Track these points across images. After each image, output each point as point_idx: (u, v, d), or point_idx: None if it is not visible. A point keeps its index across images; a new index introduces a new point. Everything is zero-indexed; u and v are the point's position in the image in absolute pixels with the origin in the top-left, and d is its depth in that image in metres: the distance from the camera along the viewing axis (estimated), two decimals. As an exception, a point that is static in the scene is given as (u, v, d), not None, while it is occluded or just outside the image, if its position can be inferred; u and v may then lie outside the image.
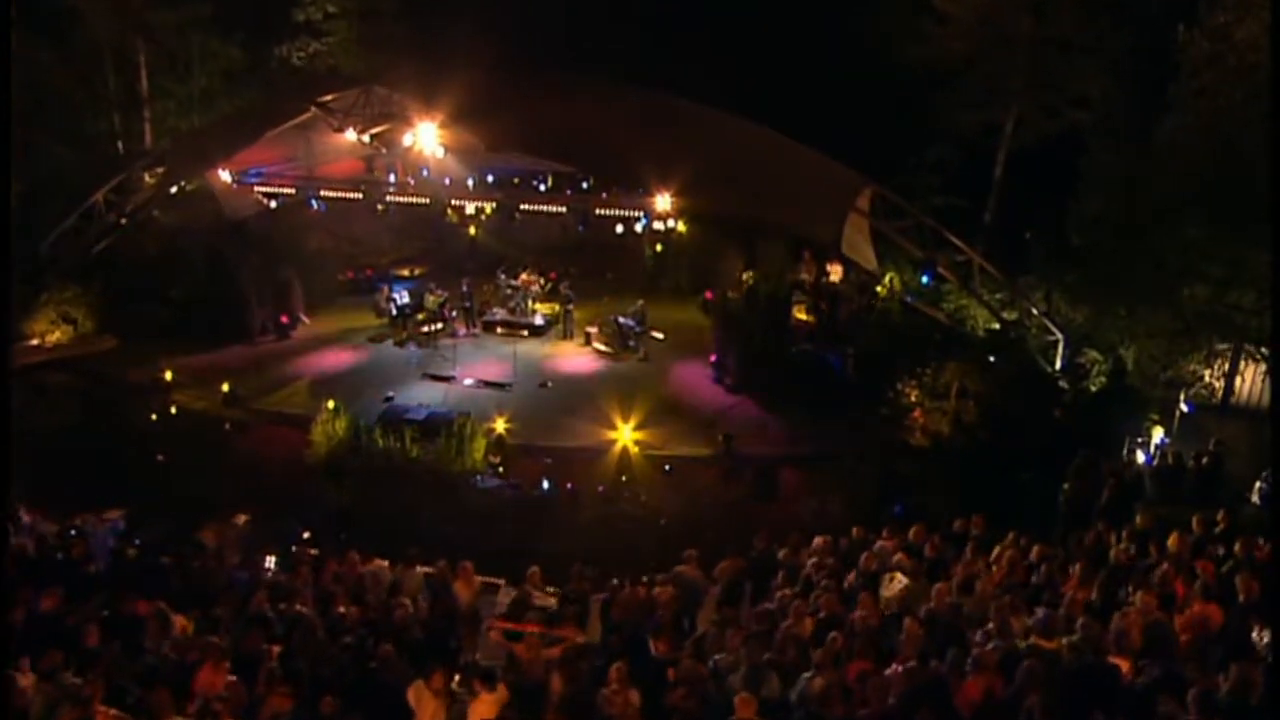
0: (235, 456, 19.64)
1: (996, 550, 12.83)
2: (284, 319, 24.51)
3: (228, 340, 23.60)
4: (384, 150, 21.26)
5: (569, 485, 18.42)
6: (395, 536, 16.94)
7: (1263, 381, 20.39)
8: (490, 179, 23.81)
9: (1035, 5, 24.47)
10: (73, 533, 12.85)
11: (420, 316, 24.20)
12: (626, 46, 28.01)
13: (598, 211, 21.73)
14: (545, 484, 18.39)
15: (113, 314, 23.85)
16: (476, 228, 27.42)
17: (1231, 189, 17.40)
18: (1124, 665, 8.99)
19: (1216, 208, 17.91)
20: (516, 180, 23.98)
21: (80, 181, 24.71)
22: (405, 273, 28.52)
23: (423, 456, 18.35)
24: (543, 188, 23.33)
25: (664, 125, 21.21)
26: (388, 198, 22.57)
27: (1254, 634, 9.50)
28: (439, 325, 24.22)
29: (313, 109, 20.85)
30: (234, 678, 9.13)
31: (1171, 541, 11.85)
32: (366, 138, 20.55)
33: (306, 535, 17.07)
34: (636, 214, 21.12)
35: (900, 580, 11.85)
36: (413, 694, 9.12)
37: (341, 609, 11.36)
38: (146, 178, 24.39)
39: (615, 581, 13.22)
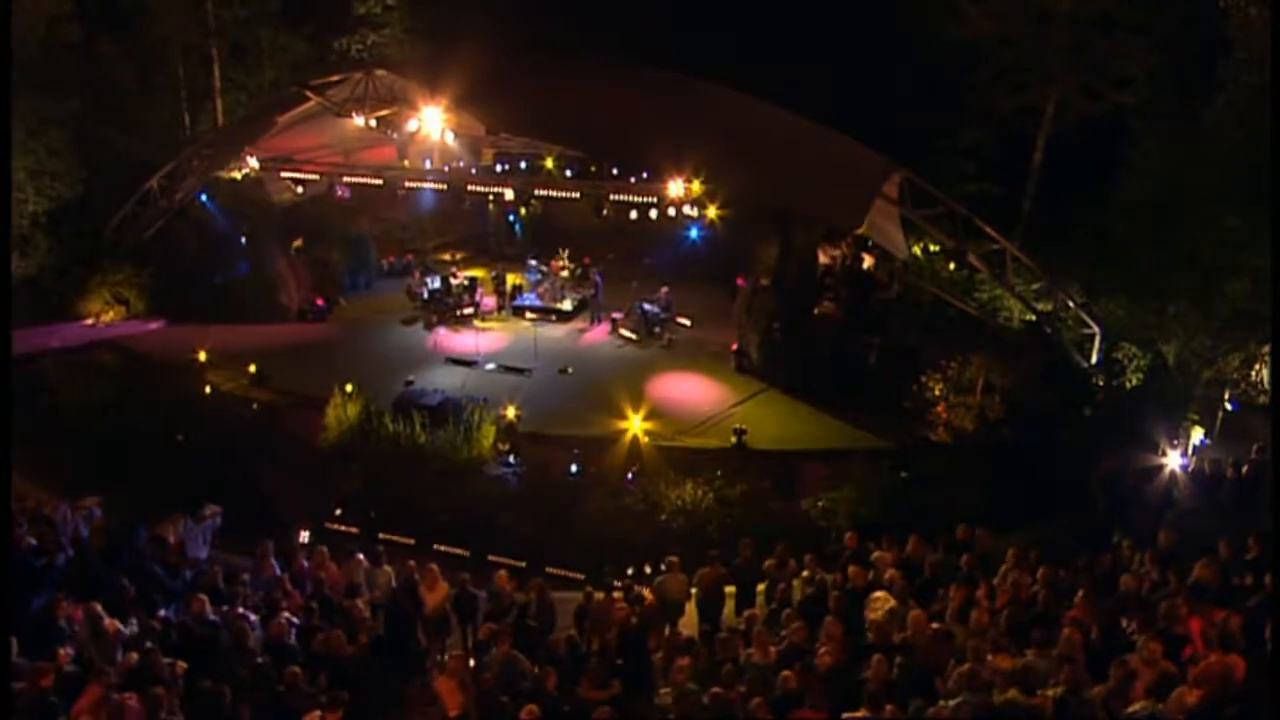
0: (260, 437, 18.62)
1: (1001, 570, 10.97)
2: (320, 302, 23.53)
3: (264, 322, 22.72)
4: (394, 134, 19.85)
5: (590, 468, 17.09)
6: (402, 521, 16.01)
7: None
8: (524, 165, 22.33)
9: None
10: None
11: (449, 300, 22.95)
12: (645, 26, 26.22)
13: (612, 197, 20.01)
14: (574, 467, 17.06)
15: (162, 295, 23.18)
16: (519, 214, 26.16)
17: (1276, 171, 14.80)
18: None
19: (1260, 193, 15.28)
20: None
21: (144, 170, 24.09)
22: (446, 257, 27.29)
23: (430, 442, 17.15)
24: (569, 173, 21.62)
25: (681, 108, 19.42)
26: (406, 183, 21.22)
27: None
28: (469, 310, 23.01)
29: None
30: (132, 701, 7.88)
31: (1194, 570, 9.79)
32: (373, 122, 19.26)
33: (339, 512, 16.26)
34: (651, 200, 19.38)
35: (887, 602, 10.08)
36: (310, 720, 7.81)
37: (286, 614, 10.07)
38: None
39: (589, 589, 11.85)
